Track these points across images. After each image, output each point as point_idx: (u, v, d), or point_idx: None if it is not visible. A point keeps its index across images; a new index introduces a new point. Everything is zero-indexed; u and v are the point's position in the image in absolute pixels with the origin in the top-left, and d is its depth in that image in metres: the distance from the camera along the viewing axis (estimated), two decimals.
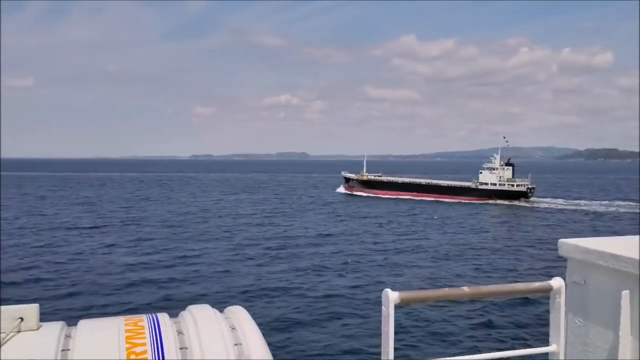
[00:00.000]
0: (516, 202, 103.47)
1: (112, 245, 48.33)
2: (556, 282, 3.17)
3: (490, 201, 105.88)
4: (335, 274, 37.31)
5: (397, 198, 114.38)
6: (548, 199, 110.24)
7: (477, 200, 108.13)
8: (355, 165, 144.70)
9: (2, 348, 2.41)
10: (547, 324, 3.21)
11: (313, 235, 56.19)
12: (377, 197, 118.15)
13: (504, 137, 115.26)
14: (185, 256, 43.15)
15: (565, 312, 3.17)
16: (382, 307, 2.79)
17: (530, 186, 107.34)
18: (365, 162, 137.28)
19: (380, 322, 2.79)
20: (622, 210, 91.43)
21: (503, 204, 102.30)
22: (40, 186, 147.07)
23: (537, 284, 3.15)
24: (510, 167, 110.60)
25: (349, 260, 41.80)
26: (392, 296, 2.80)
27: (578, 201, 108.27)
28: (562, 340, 3.15)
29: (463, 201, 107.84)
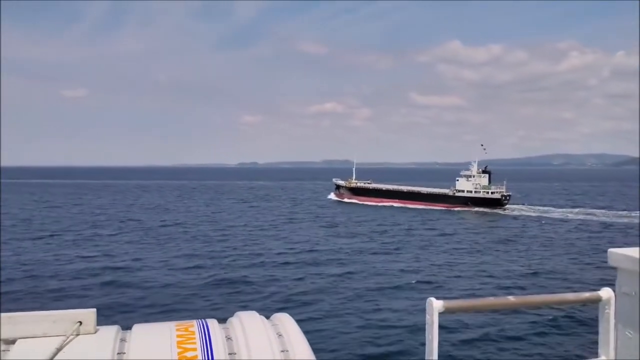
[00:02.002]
0: (490, 210, 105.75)
1: (168, 252, 50.57)
2: (605, 293, 3.07)
3: (466, 208, 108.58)
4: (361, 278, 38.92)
5: (381, 205, 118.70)
6: (522, 206, 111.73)
7: (454, 207, 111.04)
8: (401, 174, 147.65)
9: (63, 350, 2.59)
10: (596, 334, 3.14)
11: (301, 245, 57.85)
12: (363, 204, 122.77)
13: (482, 146, 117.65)
14: (226, 263, 44.70)
15: (615, 323, 3.06)
16: (426, 314, 2.81)
17: (505, 193, 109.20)
18: (354, 168, 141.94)
19: (424, 329, 2.82)
20: (603, 219, 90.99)
21: (478, 211, 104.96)
22: (98, 195, 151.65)
23: (586, 294, 3.08)
24: (487, 175, 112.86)
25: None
26: (436, 305, 2.79)
27: (555, 208, 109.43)
28: (612, 352, 3.04)
29: (440, 208, 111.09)
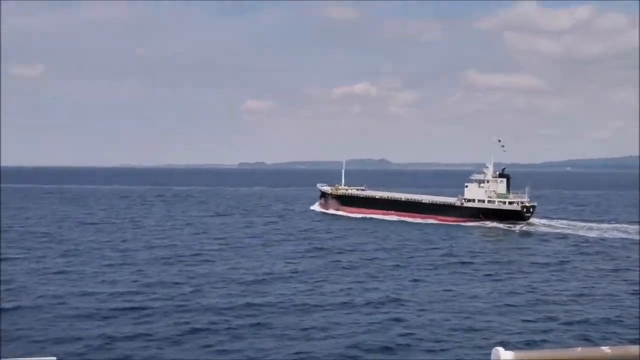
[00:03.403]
0: (508, 225, 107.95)
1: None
2: None
3: (476, 223, 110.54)
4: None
5: (372, 219, 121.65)
6: (548, 221, 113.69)
7: (461, 220, 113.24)
8: (447, 177, 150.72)
9: None
10: None
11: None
12: (351, 217, 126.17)
13: (499, 141, 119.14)
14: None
15: None
16: None
17: (527, 204, 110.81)
18: (343, 170, 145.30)
19: None
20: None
21: (492, 227, 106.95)
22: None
23: None
24: (504, 180, 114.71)
25: None
26: (503, 356, 3.29)
27: (583, 223, 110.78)
28: None
29: (445, 222, 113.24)
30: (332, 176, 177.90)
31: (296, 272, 62.61)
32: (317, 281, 58.64)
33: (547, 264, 69.76)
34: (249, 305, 48.40)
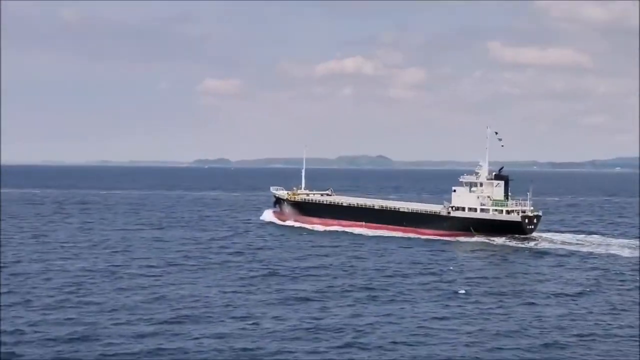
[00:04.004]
0: (505, 239, 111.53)
1: None
2: None
3: (466, 237, 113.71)
4: None
5: (337, 231, 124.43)
6: (554, 234, 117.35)
7: (447, 234, 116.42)
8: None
9: None
10: None
11: None
12: (312, 229, 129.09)
13: (496, 133, 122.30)
14: None
15: None
16: None
17: (529, 213, 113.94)
18: (304, 169, 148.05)
19: None
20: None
21: (485, 243, 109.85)
22: None
23: None
24: (502, 183, 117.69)
25: None
26: None
27: (591, 236, 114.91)
28: None
29: (427, 236, 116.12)
30: (313, 178, 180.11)
31: (230, 306, 63.88)
32: (256, 318, 59.50)
33: (564, 295, 71.52)
34: (157, 352, 49.18)
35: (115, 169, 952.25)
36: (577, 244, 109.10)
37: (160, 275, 79.59)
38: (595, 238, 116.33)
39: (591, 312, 63.23)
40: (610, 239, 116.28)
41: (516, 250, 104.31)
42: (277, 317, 59.57)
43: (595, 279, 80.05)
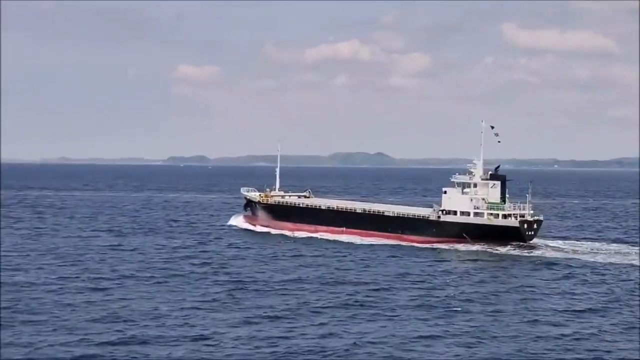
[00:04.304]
0: (501, 247, 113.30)
1: None
2: None
3: (459, 244, 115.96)
4: None
5: (312, 237, 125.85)
6: (562, 242, 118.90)
7: (437, 241, 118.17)
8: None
9: None
10: None
11: None
12: (283, 235, 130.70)
13: (492, 127, 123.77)
14: None
15: None
16: None
17: (528, 218, 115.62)
18: (278, 168, 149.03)
19: None
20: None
21: (480, 252, 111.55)
22: None
23: None
24: (498, 183, 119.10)
25: None
26: None
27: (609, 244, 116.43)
28: None
29: (414, 244, 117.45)
30: (302, 177, 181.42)
31: (187, 325, 64.11)
32: (215, 340, 59.61)
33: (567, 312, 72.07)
34: None
35: (77, 167, 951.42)
36: (590, 252, 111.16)
37: (112, 289, 79.87)
38: (613, 246, 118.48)
39: (601, 332, 63.78)
40: (632, 247, 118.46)
41: (514, 259, 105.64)
42: (238, 337, 59.97)
43: (606, 294, 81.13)
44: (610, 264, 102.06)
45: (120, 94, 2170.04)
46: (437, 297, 78.31)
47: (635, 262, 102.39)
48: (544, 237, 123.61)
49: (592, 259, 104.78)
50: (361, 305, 73.37)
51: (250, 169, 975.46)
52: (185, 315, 67.53)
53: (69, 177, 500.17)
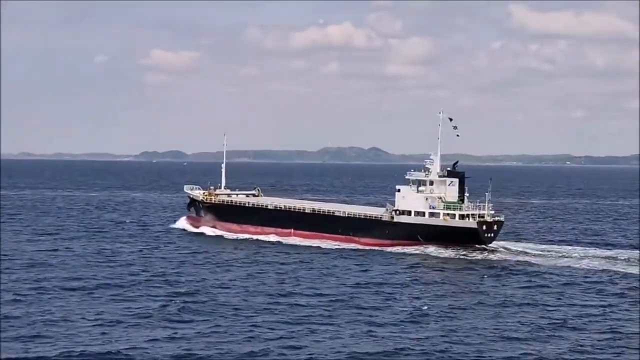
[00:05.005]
0: (460, 251, 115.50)
1: None
2: None
3: (413, 247, 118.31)
4: None
5: (257, 240, 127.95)
6: (520, 245, 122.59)
7: (390, 244, 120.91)
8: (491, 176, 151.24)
9: None
10: None
11: None
12: (232, 237, 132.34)
13: (451, 120, 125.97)
14: None
15: None
16: None
17: (487, 219, 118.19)
18: (224, 164, 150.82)
19: None
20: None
21: (437, 257, 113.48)
22: None
23: None
24: (456, 181, 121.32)
25: None
26: None
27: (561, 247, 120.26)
28: None
29: (365, 247, 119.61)
30: (288, 174, 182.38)
31: (108, 343, 63.87)
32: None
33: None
34: None
35: (38, 163, 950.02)
36: (548, 256, 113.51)
37: (22, 302, 78.72)
38: (589, 250, 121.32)
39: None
40: (598, 250, 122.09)
41: (469, 265, 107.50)
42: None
43: (569, 303, 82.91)
44: (562, 267, 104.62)
45: (87, 82, 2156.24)
46: (380, 309, 78.11)
47: (598, 267, 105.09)
48: (507, 239, 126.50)
49: (548, 263, 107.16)
50: (279, 312, 74.06)
51: (231, 165, 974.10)
52: (106, 332, 66.48)
53: (25, 174, 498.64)
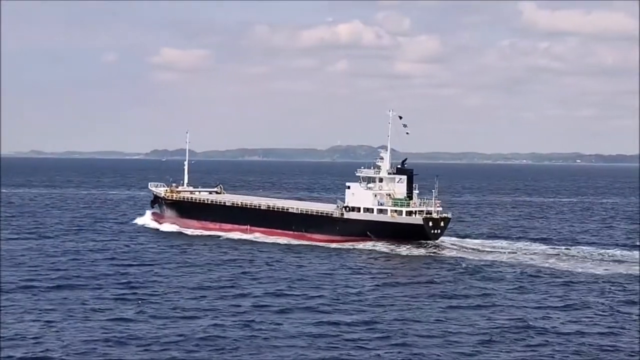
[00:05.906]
0: (408, 247, 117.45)
1: None
2: None
3: (362, 242, 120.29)
4: None
5: (214, 236, 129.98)
6: (472, 242, 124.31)
7: (340, 240, 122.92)
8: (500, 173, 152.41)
9: None
10: None
11: None
12: (191, 234, 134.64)
13: (401, 118, 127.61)
14: None
15: None
16: None
17: (434, 215, 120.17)
18: (186, 162, 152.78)
19: None
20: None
21: (384, 254, 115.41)
22: None
23: None
24: (404, 178, 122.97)
25: None
26: None
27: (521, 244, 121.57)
28: None
29: (317, 243, 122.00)
30: (293, 172, 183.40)
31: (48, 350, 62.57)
32: None
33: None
34: None
35: (47, 161, 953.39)
36: (494, 251, 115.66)
37: None
38: (520, 245, 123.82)
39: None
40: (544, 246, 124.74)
41: (414, 261, 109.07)
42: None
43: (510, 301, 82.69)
44: (492, 261, 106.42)
45: (96, 81, 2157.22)
46: (321, 311, 76.95)
47: (536, 263, 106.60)
48: (458, 235, 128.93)
49: (491, 258, 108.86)
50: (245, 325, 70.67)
51: (236, 163, 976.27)
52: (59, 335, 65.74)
53: (28, 173, 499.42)
